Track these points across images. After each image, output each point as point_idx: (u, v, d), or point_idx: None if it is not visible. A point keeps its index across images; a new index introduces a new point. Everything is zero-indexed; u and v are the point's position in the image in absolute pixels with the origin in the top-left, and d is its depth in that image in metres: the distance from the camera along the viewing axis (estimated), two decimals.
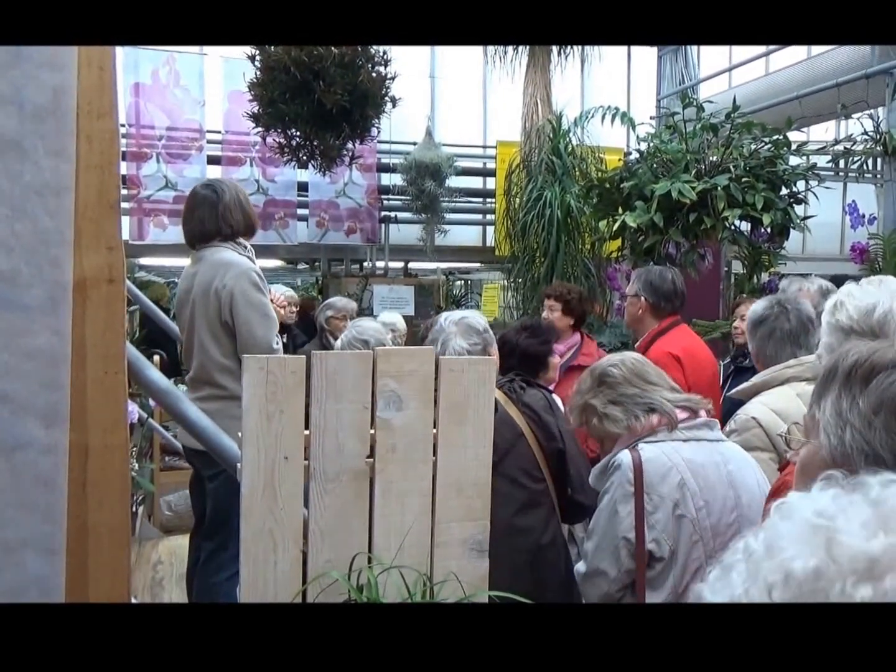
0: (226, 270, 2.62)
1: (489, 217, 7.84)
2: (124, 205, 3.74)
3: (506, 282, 6.67)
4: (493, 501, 1.72)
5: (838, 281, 4.40)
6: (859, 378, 0.95)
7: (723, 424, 2.51)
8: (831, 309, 1.76)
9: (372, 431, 1.51)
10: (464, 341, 2.12)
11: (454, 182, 7.13)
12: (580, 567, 1.90)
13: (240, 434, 1.47)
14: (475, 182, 7.85)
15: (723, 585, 0.54)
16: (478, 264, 9.05)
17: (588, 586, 1.85)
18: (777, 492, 1.67)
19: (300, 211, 7.22)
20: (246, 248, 2.75)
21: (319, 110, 5.23)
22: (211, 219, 2.70)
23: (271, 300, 2.81)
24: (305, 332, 6.59)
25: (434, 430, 1.55)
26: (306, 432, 1.48)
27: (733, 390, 2.37)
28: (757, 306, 2.32)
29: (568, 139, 5.98)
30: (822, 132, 7.12)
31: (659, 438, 1.76)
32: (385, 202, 7.51)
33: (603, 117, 5.32)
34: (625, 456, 1.75)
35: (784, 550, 0.51)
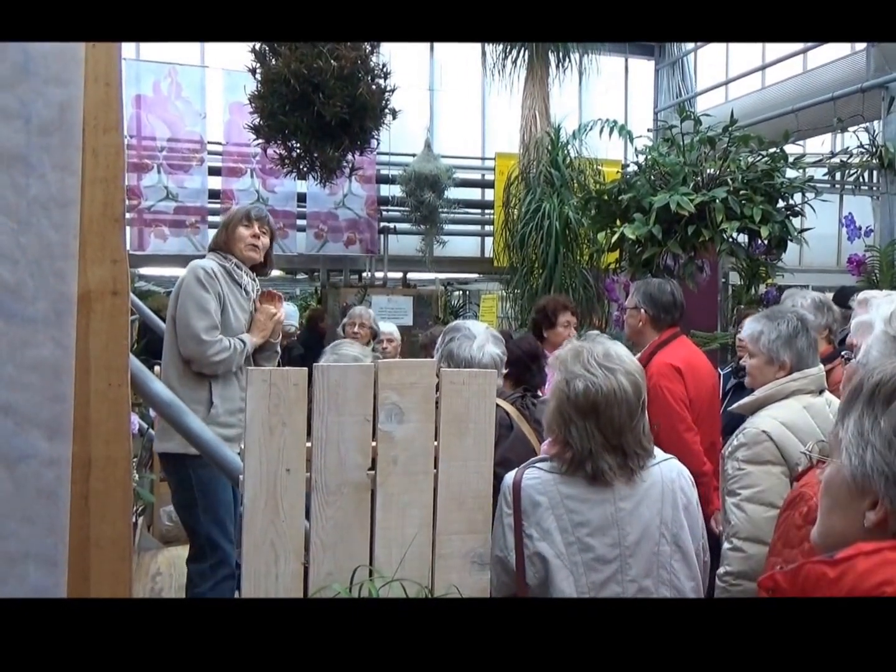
0: (184, 272, 2.79)
1: (488, 228, 7.86)
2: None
3: (504, 292, 6.69)
4: None
5: (836, 293, 4.44)
6: (882, 398, 0.91)
7: (725, 437, 2.50)
8: (888, 318, 1.69)
9: (373, 444, 1.51)
10: (496, 348, 2.17)
11: (453, 193, 7.16)
12: None
13: (242, 445, 1.48)
14: (474, 193, 7.88)
15: None
16: (476, 275, 9.07)
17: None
18: (791, 503, 1.64)
19: (299, 222, 7.24)
20: (231, 260, 2.82)
21: (319, 122, 5.26)
22: None
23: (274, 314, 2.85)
24: (312, 343, 6.59)
25: (435, 443, 1.55)
26: (308, 444, 1.48)
27: (735, 405, 2.34)
28: (776, 321, 2.22)
29: (566, 151, 6.01)
30: (818, 145, 7.16)
31: (547, 467, 1.66)
32: (384, 213, 7.53)
33: (601, 130, 5.35)
34: (508, 476, 1.67)
35: None
